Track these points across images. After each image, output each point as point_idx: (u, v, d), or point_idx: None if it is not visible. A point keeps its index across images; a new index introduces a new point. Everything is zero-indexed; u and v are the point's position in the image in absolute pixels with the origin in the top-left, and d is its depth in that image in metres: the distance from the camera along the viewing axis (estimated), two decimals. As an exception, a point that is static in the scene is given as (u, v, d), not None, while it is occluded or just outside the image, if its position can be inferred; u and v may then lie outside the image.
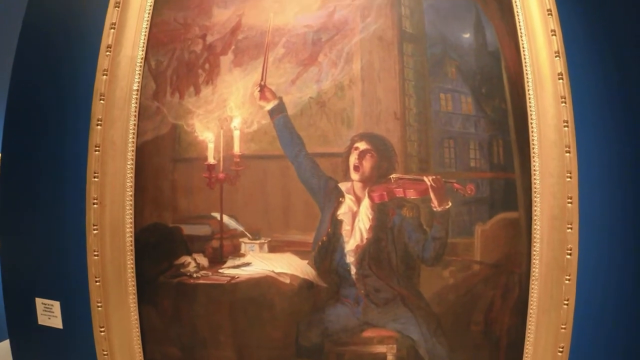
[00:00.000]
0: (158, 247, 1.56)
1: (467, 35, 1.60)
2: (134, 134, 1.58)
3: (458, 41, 1.59)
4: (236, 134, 1.53)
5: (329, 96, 1.54)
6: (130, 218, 1.55)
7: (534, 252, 1.53)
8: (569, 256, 1.53)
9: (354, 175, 1.51)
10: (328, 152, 1.51)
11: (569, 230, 1.53)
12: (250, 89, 1.56)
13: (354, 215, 1.51)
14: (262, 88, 1.55)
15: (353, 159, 1.50)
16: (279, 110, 1.53)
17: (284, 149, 1.52)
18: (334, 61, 1.55)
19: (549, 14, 1.65)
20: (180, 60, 1.61)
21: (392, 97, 1.54)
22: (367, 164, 1.50)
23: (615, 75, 1.61)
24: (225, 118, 1.55)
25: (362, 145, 1.51)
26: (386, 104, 1.53)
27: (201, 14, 1.64)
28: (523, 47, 1.62)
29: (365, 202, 1.51)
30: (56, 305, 1.63)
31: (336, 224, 1.50)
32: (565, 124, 1.57)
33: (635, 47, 1.62)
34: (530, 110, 1.58)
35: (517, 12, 1.65)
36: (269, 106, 1.54)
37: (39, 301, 1.64)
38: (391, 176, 1.50)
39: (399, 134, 1.52)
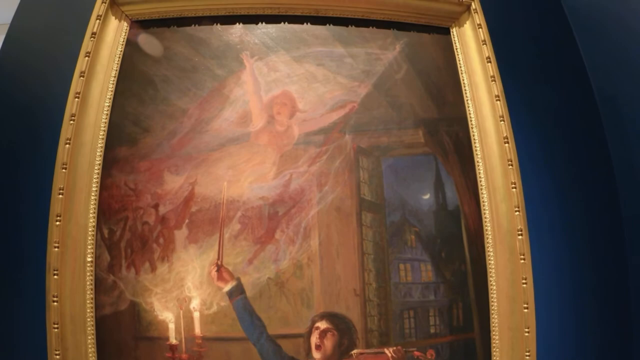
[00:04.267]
0: (127, 421, 1.58)
1: (426, 196, 1.58)
2: (91, 308, 1.54)
3: (417, 204, 1.57)
4: (196, 315, 1.51)
5: (288, 276, 1.52)
6: (97, 394, 1.56)
7: (493, 402, 1.59)
8: (526, 404, 1.60)
9: (316, 354, 1.52)
10: (290, 334, 1.50)
11: (527, 380, 1.59)
12: (207, 268, 1.53)
13: (318, 391, 1.54)
14: (219, 268, 1.52)
15: (314, 339, 1.51)
16: (237, 292, 1.51)
17: (245, 332, 1.51)
18: (291, 238, 1.52)
19: (509, 165, 1.63)
20: (133, 232, 1.56)
21: (351, 273, 1.53)
22: (328, 343, 1.51)
23: (575, 231, 1.62)
24: (183, 298, 1.52)
25: (322, 325, 1.51)
26: (345, 281, 1.52)
27: (152, 180, 1.57)
28: (483, 202, 1.61)
29: (328, 378, 1.53)
30: None
31: (300, 400, 1.53)
32: (524, 280, 1.59)
33: (599, 208, 1.62)
34: (490, 268, 1.59)
35: (477, 161, 1.63)
36: (227, 288, 1.52)
37: None
38: (352, 352, 1.52)
39: (359, 310, 1.52)
